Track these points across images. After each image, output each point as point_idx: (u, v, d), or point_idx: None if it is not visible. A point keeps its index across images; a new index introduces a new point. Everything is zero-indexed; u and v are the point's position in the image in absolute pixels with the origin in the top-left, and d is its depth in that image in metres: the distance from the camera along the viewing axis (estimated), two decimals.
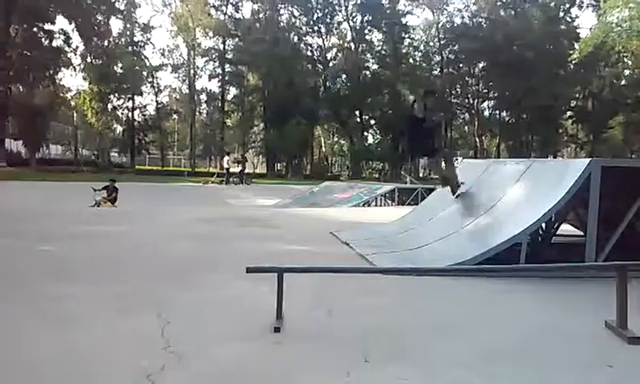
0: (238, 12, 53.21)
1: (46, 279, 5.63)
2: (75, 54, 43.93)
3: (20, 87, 41.26)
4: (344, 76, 54.26)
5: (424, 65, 54.65)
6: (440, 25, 54.39)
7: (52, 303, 4.70)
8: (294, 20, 53.44)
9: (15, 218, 11.09)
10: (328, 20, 53.64)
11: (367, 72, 54.12)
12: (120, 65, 45.60)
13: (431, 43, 55.34)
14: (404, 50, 54.28)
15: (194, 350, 3.62)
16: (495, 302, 5.37)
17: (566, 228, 9.04)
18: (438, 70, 54.62)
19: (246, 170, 35.74)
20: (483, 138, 55.03)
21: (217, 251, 7.77)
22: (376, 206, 20.90)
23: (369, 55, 54.60)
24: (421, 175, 47.36)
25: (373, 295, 5.28)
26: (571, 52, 45.58)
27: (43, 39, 41.06)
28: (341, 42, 55.27)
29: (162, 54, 51.87)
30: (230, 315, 4.52)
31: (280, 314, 4.21)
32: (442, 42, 54.03)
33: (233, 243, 8.50)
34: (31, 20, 39.32)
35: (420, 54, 55.54)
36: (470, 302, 5.38)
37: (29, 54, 39.54)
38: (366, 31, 53.94)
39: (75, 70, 44.36)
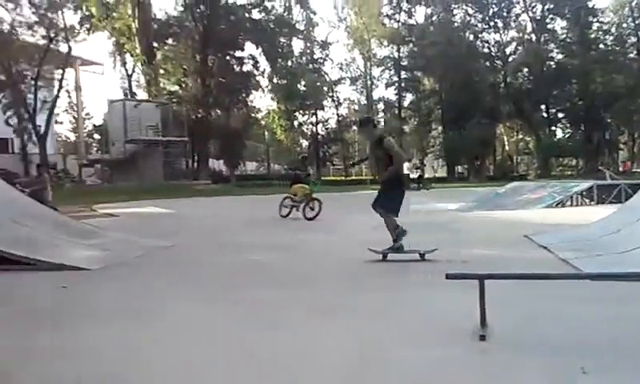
0: (411, 18, 53.37)
1: (257, 285, 6.19)
2: (263, 77, 47.57)
3: (218, 111, 45.76)
4: (525, 70, 51.45)
5: (617, 48, 49.50)
6: (634, 3, 48.86)
7: (263, 306, 5.15)
8: (468, 18, 52.07)
9: (224, 230, 12.32)
10: (505, 14, 51.36)
11: (551, 63, 50.70)
12: (303, 82, 48.32)
13: (624, 24, 49.98)
14: (592, 36, 49.79)
15: (398, 355, 3.71)
16: None
17: None
18: (635, 52, 49.09)
19: (425, 175, 35.45)
20: None
21: (409, 257, 7.83)
22: (572, 205, 19.33)
23: (552, 45, 51.15)
24: (621, 169, 42.90)
25: (581, 303, 4.92)
26: None
27: (235, 65, 45.11)
28: (520, 34, 52.53)
29: (341, 68, 53.93)
30: (429, 321, 4.54)
31: (484, 321, 4.14)
32: (636, 22, 48.48)
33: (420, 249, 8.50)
34: (224, 49, 43.40)
35: (612, 37, 50.44)
36: None
37: (223, 80, 43.68)
38: (548, 20, 50.56)
39: (264, 91, 48.08)
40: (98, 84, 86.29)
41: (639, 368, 3.40)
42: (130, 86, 48.75)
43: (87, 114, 56.22)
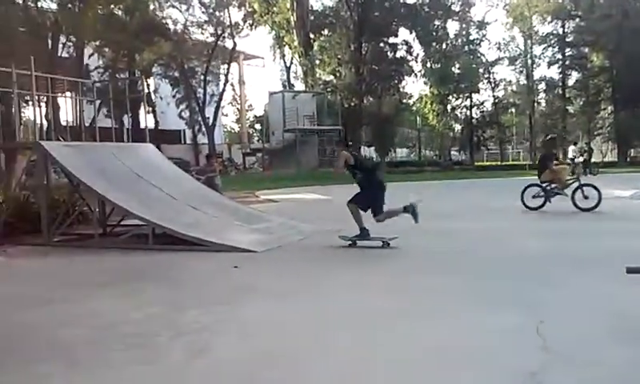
0: None
1: (415, 271, 6.22)
2: (416, 62, 47.00)
3: (370, 99, 46.16)
4: None
5: None
6: None
7: (421, 294, 5.17)
8: None
9: None
10: None
11: None
12: (457, 65, 46.98)
13: None
14: None
15: (576, 351, 3.52)
16: None
17: None
18: None
19: (592, 159, 32.66)
20: None
21: (579, 249, 7.36)
22: None
23: None
24: None
25: None
26: None
27: (388, 52, 45.11)
28: None
29: (498, 48, 51.46)
30: (608, 318, 4.22)
31: None
32: None
33: (594, 240, 7.95)
34: (378, 36, 43.59)
35: None
36: None
37: (376, 67, 43.89)
38: None
39: (416, 76, 47.51)
40: (259, 77, 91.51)
41: None
42: (288, 77, 51.08)
43: (249, 106, 59.97)
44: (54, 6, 15.95)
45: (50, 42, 15.70)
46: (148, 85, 40.62)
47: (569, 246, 7.63)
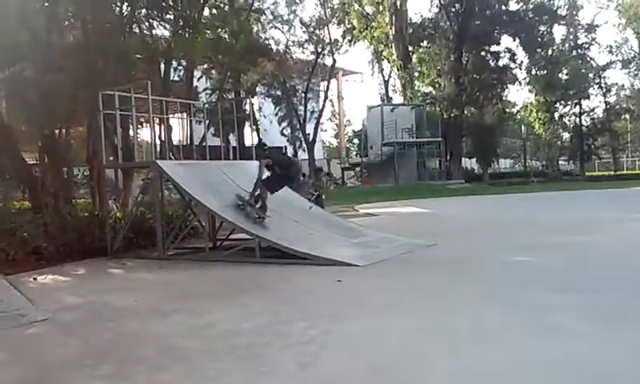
0: None
1: (521, 287, 6.01)
2: (520, 69, 45.29)
3: (472, 109, 45.02)
4: None
5: None
6: None
7: (539, 312, 4.98)
8: None
9: (483, 229, 12.14)
10: None
11: None
12: (565, 71, 44.80)
13: None
14: None
15: None
16: None
17: None
18: None
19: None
20: None
21: None
22: None
23: None
24: None
25: None
26: None
27: (490, 61, 43.84)
28: None
29: (610, 52, 48.47)
30: None
31: None
32: None
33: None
34: (479, 45, 42.53)
35: None
36: None
37: (478, 77, 42.77)
38: None
39: (520, 84, 45.78)
40: (357, 91, 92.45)
41: None
42: (386, 90, 51.13)
43: (348, 121, 60.60)
44: (166, 33, 17.00)
45: (163, 66, 16.75)
46: (252, 104, 42.28)
47: None
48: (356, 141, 58.06)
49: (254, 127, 41.16)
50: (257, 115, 40.65)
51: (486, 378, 3.50)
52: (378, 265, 8.01)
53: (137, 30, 15.91)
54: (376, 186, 35.24)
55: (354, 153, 56.11)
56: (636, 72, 48.23)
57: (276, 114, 43.03)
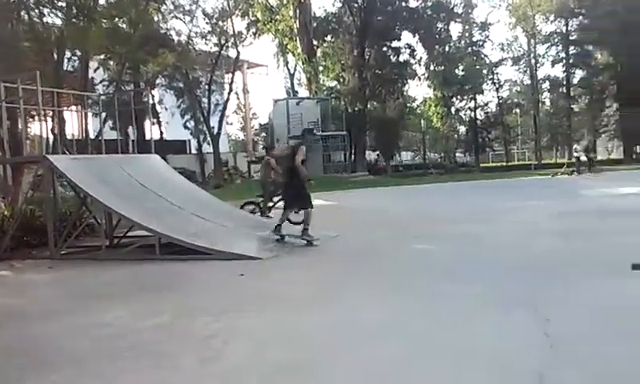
0: None
1: (420, 276, 6.23)
2: (419, 65, 46.99)
3: (374, 103, 46.15)
4: None
5: None
6: None
7: (432, 299, 5.18)
8: None
9: (387, 221, 12.50)
10: None
11: None
12: (461, 67, 46.99)
13: None
14: None
15: (582, 349, 3.54)
16: None
17: None
18: None
19: (598, 157, 32.46)
20: None
21: (585, 247, 7.38)
22: None
23: None
24: None
25: None
26: None
27: (391, 56, 45.15)
28: None
29: (502, 49, 51.44)
30: (613, 314, 4.24)
31: None
32: None
33: (601, 237, 7.96)
34: (381, 41, 43.65)
35: None
36: None
37: (380, 72, 43.89)
38: None
39: (420, 79, 47.51)
40: (263, 84, 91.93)
41: None
42: (292, 84, 51.18)
43: (254, 114, 60.08)
44: (59, 21, 16.02)
45: (55, 56, 15.79)
46: (153, 96, 40.91)
47: (577, 245, 7.64)
48: (263, 134, 57.81)
49: (155, 120, 39.95)
50: (158, 108, 39.46)
51: (390, 369, 3.59)
52: (281, 258, 8.02)
53: (26, 17, 14.90)
54: (282, 179, 35.18)
55: (261, 146, 55.81)
56: (525, 69, 51.47)
57: (178, 107, 41.94)
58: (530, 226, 9.90)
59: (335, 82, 45.97)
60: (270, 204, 12.90)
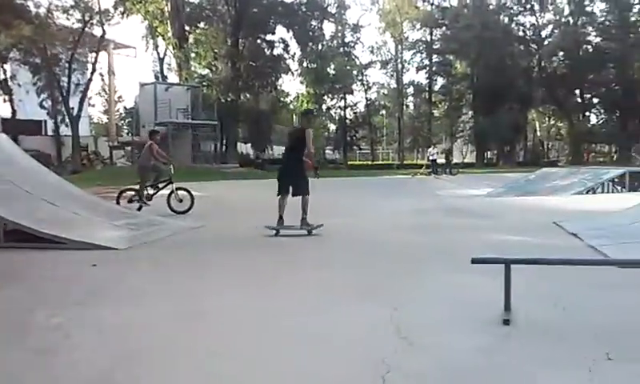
0: (445, 0, 52.57)
1: (282, 266, 6.25)
2: (293, 60, 47.49)
3: (247, 95, 45.88)
4: (561, 53, 50.30)
5: None
6: None
7: (291, 288, 5.20)
8: (504, 1, 50.99)
9: (253, 212, 12.42)
10: None
11: (588, 47, 49.39)
12: (332, 66, 48.16)
13: None
14: (632, 19, 48.29)
15: (423, 337, 3.72)
16: None
17: None
18: None
19: (454, 160, 35.00)
20: None
21: (434, 242, 7.85)
22: (603, 192, 18.96)
23: (590, 28, 49.76)
24: None
25: (608, 290, 4.86)
26: None
27: (265, 49, 45.15)
28: (557, 17, 51.35)
29: (371, 52, 53.57)
30: (454, 305, 4.53)
31: (508, 306, 4.12)
32: None
33: (448, 234, 8.51)
34: (255, 33, 43.46)
35: None
36: None
37: (254, 63, 43.71)
38: (587, 2, 49.24)
39: (293, 75, 48.03)
40: (130, 67, 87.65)
41: None
42: (161, 69, 49.24)
43: (119, 97, 57.15)
44: None
45: None
46: (4, 70, 37.35)
47: (427, 239, 8.09)
48: (128, 119, 55.12)
49: (6, 97, 36.58)
50: (10, 83, 36.16)
51: (232, 356, 3.52)
52: (140, 248, 7.63)
53: None
54: None
55: (126, 131, 53.18)
56: (392, 73, 54.03)
57: (34, 84, 38.63)
58: (388, 221, 10.34)
59: (207, 71, 45.08)
60: (152, 191, 12.15)
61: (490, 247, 6.76)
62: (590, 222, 8.98)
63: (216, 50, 43.35)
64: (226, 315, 4.38)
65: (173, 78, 46.42)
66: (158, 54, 49.53)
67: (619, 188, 19.92)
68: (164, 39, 46.53)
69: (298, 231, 8.45)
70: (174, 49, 44.07)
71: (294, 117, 50.64)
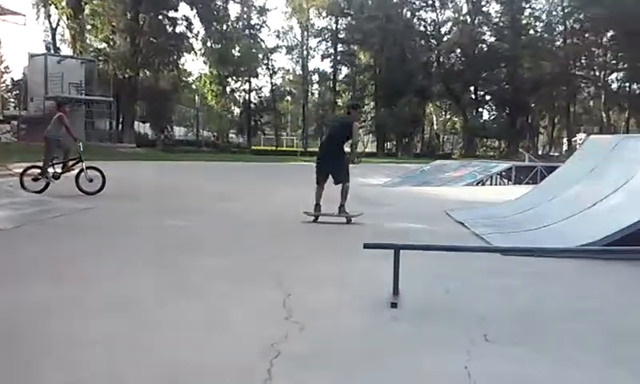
0: None
1: (175, 250, 6.05)
2: (196, 39, 46.22)
3: (147, 72, 44.10)
4: (458, 50, 52.65)
5: (546, 36, 51.43)
6: None
7: (182, 274, 5.04)
8: None
9: (148, 194, 11.98)
10: None
11: (483, 45, 52.12)
12: (237, 48, 47.38)
13: (554, 12, 51.84)
14: (524, 21, 51.57)
15: (314, 321, 3.74)
16: (627, 286, 5.05)
17: None
18: (561, 40, 51.22)
19: (358, 149, 35.60)
20: (610, 112, 51.02)
21: (331, 228, 7.94)
22: (491, 184, 20.19)
23: (485, 28, 52.56)
24: (540, 153, 45.03)
25: (491, 275, 5.14)
26: None
27: (167, 26, 43.58)
28: (456, 15, 53.68)
29: (277, 36, 53.26)
30: (346, 289, 4.61)
31: (396, 290, 4.23)
32: (565, 11, 50.36)
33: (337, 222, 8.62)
34: (157, 8, 41.77)
35: (541, 24, 52.27)
36: (598, 285, 5.09)
37: (155, 40, 42.05)
38: (483, 2, 51.85)
39: (196, 54, 46.75)
40: (18, 36, 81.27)
41: (537, 337, 3.58)
42: (53, 40, 46.04)
43: (5, 68, 52.93)
44: None
45: None
46: None
47: (321, 226, 8.16)
48: (15, 91, 51.24)
49: None
50: None
51: (119, 342, 3.35)
52: (26, 227, 7.12)
53: None
54: (36, 143, 31.66)
55: (12, 105, 49.42)
56: (298, 59, 54.11)
57: None
58: (287, 208, 10.34)
59: (104, 45, 42.81)
60: (60, 170, 10.92)
61: (384, 234, 6.95)
62: (478, 212, 9.48)
63: (114, 24, 41.22)
64: (96, 301, 4.16)
65: (66, 50, 43.66)
66: (51, 23, 46.28)
67: (506, 181, 21.27)
68: (57, 8, 43.56)
69: (337, 218, 8.27)
70: (67, 19, 41.42)
71: (197, 98, 49.42)
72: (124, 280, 4.76)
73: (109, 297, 4.23)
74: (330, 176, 8.41)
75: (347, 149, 8.74)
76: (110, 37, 41.92)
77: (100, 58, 41.30)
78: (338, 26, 53.07)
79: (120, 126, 41.32)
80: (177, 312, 3.91)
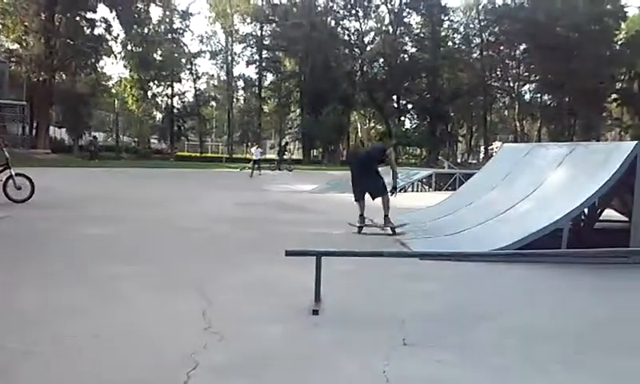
0: None
1: (96, 259, 5.80)
2: (116, 42, 44.68)
3: (63, 75, 42.20)
4: (381, 60, 53.77)
5: (463, 47, 53.58)
6: (481, 6, 53.04)
7: (103, 282, 4.84)
8: (331, 4, 53.06)
9: (65, 203, 11.44)
10: (366, 3, 52.96)
11: (405, 56, 53.50)
12: (159, 52, 46.23)
13: (471, 25, 54.11)
14: (443, 33, 53.47)
15: (235, 331, 3.69)
16: (536, 288, 5.32)
17: (609, 213, 8.80)
18: (478, 52, 53.51)
19: (286, 157, 35.62)
20: (524, 122, 53.83)
21: (255, 235, 7.89)
22: (413, 191, 20.71)
23: (407, 38, 53.95)
24: (459, 160, 46.74)
25: (411, 280, 5.27)
26: (617, 32, 43.97)
27: (85, 28, 41.89)
28: (379, 25, 54.79)
29: (201, 41, 52.39)
30: (268, 297, 4.58)
31: (318, 296, 4.24)
32: (482, 24, 52.72)
33: (270, 227, 8.61)
34: (74, 9, 40.06)
35: (459, 36, 54.42)
36: (510, 287, 5.33)
37: (72, 42, 40.28)
38: (405, 14, 53.25)
39: (116, 57, 45.19)
40: None
41: (451, 341, 3.69)
42: None
43: None
44: None
45: None
46: None
47: (248, 232, 8.12)
48: None
49: None
50: None
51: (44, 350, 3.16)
52: None
53: None
54: None
55: None
56: (222, 64, 53.46)
57: None
58: (209, 214, 10.19)
59: (17, 45, 40.60)
60: None
61: (307, 240, 6.96)
62: (399, 218, 9.68)
63: (27, 23, 39.16)
64: (7, 315, 3.92)
65: None
66: None
67: (427, 187, 21.90)
68: None
69: (383, 230, 8.30)
70: None
71: (116, 102, 47.75)
72: (39, 292, 4.51)
73: (21, 311, 3.99)
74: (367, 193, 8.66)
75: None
76: (23, 37, 39.81)
77: (12, 59, 39.16)
78: (263, 33, 52.90)
79: (34, 130, 39.30)
80: (95, 323, 3.75)
